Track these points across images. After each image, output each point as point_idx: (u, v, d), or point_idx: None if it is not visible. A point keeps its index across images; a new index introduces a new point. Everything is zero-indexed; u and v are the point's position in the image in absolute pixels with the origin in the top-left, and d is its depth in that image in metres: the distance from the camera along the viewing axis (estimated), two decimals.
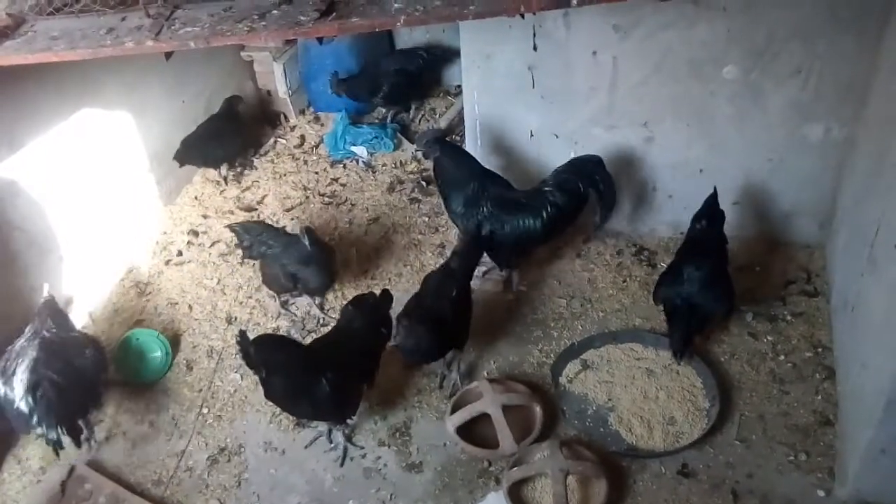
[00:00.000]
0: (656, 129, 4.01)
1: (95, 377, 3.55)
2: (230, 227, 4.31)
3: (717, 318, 3.67)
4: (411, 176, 5.13)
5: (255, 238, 4.05)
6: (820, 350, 3.62)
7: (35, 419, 3.22)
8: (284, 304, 4.23)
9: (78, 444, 3.37)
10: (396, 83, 5.45)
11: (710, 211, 3.74)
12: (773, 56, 3.61)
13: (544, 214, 3.85)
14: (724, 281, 3.64)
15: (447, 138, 5.21)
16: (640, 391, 3.54)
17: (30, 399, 3.22)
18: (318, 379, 3.17)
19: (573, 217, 3.98)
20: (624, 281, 4.15)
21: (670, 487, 3.18)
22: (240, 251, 4.64)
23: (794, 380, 3.51)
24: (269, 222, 4.56)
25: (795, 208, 4.08)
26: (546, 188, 3.93)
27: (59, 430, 3.23)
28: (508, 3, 2.84)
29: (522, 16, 3.16)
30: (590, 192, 3.94)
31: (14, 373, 3.31)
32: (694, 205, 3.81)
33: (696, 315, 3.56)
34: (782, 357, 3.62)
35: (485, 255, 3.98)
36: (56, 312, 3.63)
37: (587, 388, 3.59)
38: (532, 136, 4.26)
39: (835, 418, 3.31)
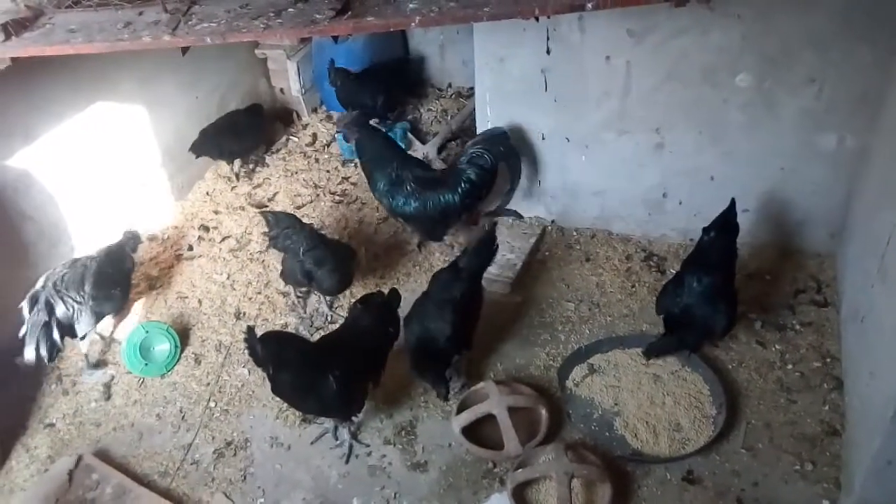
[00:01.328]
0: (668, 135, 4.01)
1: (95, 317, 3.82)
2: (263, 213, 4.37)
3: (714, 334, 3.56)
4: None
5: (281, 230, 4.06)
6: (828, 360, 3.60)
7: (24, 329, 3.62)
8: (300, 299, 4.25)
9: (51, 359, 3.67)
10: (391, 97, 5.52)
11: (723, 222, 3.63)
12: (787, 64, 3.60)
13: (460, 189, 4.19)
14: (727, 296, 3.51)
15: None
16: (647, 396, 3.53)
17: (27, 307, 3.64)
18: (325, 376, 3.18)
19: (488, 188, 4.31)
20: (633, 286, 4.14)
21: (675, 494, 3.17)
22: (248, 247, 4.68)
23: (801, 389, 3.50)
24: None
25: (807, 217, 4.06)
26: (461, 166, 4.24)
27: (37, 346, 3.61)
28: (523, 5, 2.84)
29: (537, 18, 3.18)
30: (499, 164, 4.23)
31: (48, 279, 3.72)
32: (704, 212, 3.80)
33: (693, 330, 3.50)
34: (790, 366, 3.61)
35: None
36: (121, 258, 4.03)
37: (593, 392, 3.59)
38: (543, 138, 4.27)
39: (842, 428, 3.30)
